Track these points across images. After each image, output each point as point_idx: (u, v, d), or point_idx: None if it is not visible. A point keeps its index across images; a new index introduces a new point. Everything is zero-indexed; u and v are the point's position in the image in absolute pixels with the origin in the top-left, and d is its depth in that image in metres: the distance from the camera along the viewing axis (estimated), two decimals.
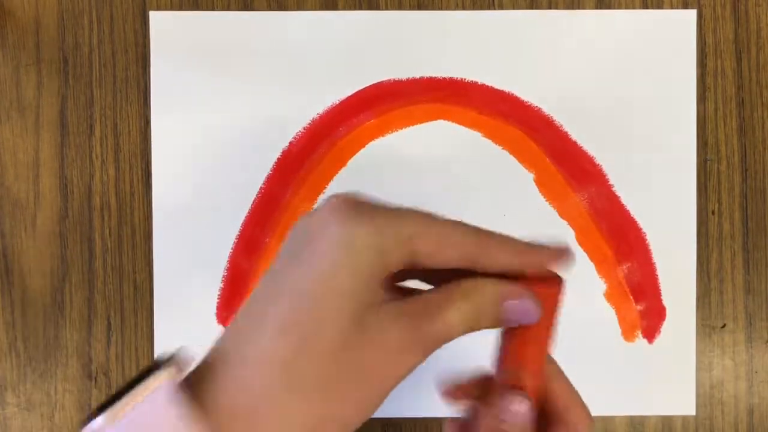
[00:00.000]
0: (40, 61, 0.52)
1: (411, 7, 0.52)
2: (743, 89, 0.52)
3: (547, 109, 0.51)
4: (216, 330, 0.51)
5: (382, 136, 0.51)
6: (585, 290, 0.51)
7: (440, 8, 0.52)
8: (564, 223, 0.51)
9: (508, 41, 0.52)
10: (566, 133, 0.51)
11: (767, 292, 0.52)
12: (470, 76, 0.51)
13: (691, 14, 0.52)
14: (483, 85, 0.51)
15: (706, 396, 0.52)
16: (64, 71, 0.52)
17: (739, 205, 0.52)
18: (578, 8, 0.52)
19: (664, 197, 0.52)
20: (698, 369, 0.51)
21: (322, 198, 0.51)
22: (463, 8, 0.52)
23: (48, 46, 0.52)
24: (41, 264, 0.52)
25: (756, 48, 0.52)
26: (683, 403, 0.52)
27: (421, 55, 0.51)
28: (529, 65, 0.52)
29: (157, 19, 0.51)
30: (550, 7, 0.52)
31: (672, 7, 0.52)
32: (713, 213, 0.52)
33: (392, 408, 0.52)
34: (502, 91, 0.51)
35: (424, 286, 0.33)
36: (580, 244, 0.51)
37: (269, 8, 0.52)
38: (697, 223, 0.52)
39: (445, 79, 0.51)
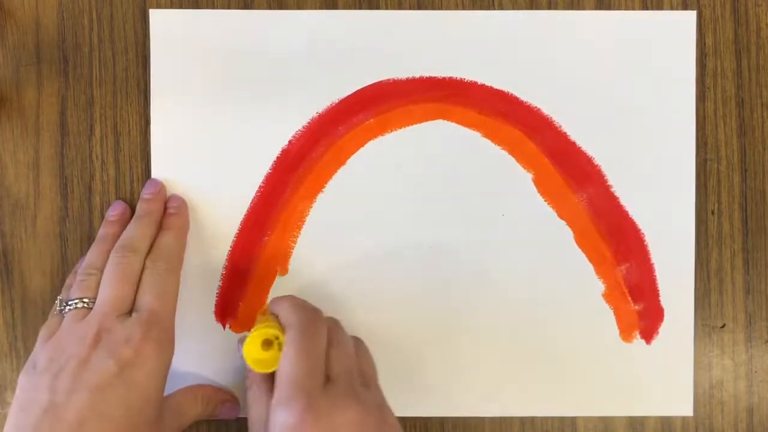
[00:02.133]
0: (40, 61, 0.52)
1: (411, 7, 0.52)
2: (743, 89, 0.52)
3: (546, 110, 0.51)
4: (216, 329, 0.51)
5: (382, 135, 0.51)
6: (583, 291, 0.51)
7: (440, 8, 0.52)
8: (562, 223, 0.51)
9: (507, 41, 0.52)
10: (565, 133, 0.51)
11: (767, 292, 0.52)
12: (469, 75, 0.51)
13: (691, 15, 0.52)
14: (482, 85, 0.51)
15: (705, 396, 0.52)
16: (64, 71, 0.52)
17: (739, 205, 0.52)
18: (578, 8, 0.52)
19: (663, 197, 0.52)
20: (698, 369, 0.51)
21: (321, 197, 0.51)
22: (463, 8, 0.52)
23: (48, 46, 0.52)
24: (41, 264, 0.52)
25: (756, 48, 0.52)
26: (681, 405, 0.52)
27: (421, 55, 0.51)
28: (529, 65, 0.51)
29: (157, 17, 0.51)
30: (549, 7, 0.52)
31: (672, 8, 0.52)
32: (713, 213, 0.52)
33: (391, 407, 0.51)
34: (502, 91, 0.51)
35: None
36: (579, 244, 0.51)
37: (269, 8, 0.52)
38: (696, 223, 0.52)
39: (444, 78, 0.51)
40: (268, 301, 0.51)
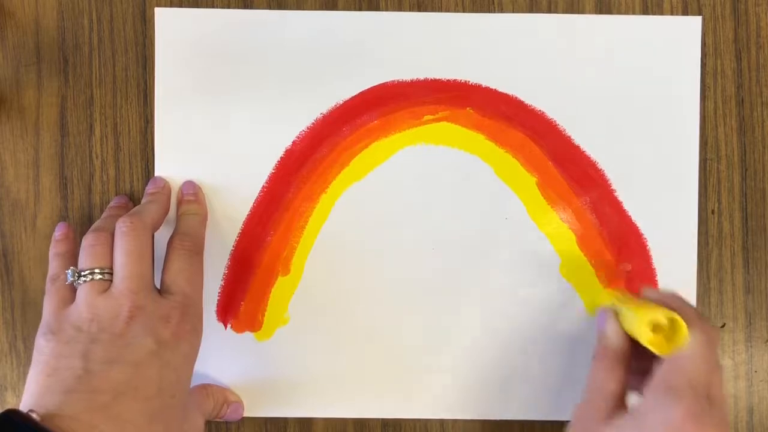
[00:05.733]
0: (40, 61, 0.51)
1: (411, 8, 0.51)
2: (743, 89, 0.52)
3: (549, 113, 0.51)
4: (217, 329, 0.51)
5: (386, 137, 0.51)
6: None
7: (440, 10, 0.51)
8: (566, 227, 0.51)
9: (510, 44, 0.51)
10: (569, 137, 0.51)
11: (767, 292, 0.52)
12: (473, 78, 0.51)
13: (696, 21, 0.51)
14: (487, 88, 0.51)
15: None
16: (64, 71, 0.51)
17: (739, 204, 0.52)
18: (577, 10, 0.51)
19: (666, 204, 0.51)
20: None
21: (324, 198, 0.51)
22: (463, 10, 0.51)
23: (48, 46, 0.51)
24: (41, 264, 0.52)
25: (756, 48, 0.52)
26: None
27: (422, 57, 0.51)
28: (532, 69, 0.51)
29: (163, 15, 0.51)
30: (549, 9, 0.51)
31: (671, 8, 0.52)
32: (713, 212, 0.52)
33: (392, 408, 0.52)
34: (506, 94, 0.51)
35: None
36: (582, 248, 0.51)
37: (269, 8, 0.51)
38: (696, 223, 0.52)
39: (449, 81, 0.51)
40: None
